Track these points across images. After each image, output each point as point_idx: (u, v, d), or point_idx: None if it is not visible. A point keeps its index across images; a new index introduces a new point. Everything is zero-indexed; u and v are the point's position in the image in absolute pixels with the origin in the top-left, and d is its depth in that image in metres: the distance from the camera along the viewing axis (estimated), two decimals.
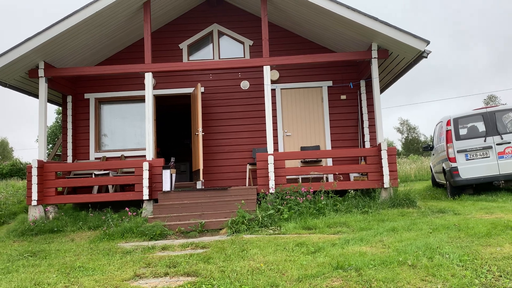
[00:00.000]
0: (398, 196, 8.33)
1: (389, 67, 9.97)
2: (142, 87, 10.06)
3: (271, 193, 8.38)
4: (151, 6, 9.36)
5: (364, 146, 10.27)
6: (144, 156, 9.65)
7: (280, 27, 10.94)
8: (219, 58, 10.87)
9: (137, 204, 8.85)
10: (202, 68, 9.65)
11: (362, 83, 10.48)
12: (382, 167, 8.55)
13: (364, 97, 10.45)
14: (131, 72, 9.35)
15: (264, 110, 9.30)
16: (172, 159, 9.40)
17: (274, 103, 10.58)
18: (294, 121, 10.66)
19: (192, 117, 10.45)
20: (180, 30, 10.98)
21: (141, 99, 10.43)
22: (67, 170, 9.84)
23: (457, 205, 8.03)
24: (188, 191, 8.65)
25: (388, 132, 74.17)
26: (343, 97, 10.63)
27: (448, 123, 9.67)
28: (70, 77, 10.43)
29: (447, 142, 9.54)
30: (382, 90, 11.67)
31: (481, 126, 9.60)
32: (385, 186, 8.51)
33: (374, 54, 9.02)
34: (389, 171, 8.55)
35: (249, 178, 10.03)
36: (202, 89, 10.66)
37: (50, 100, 11.21)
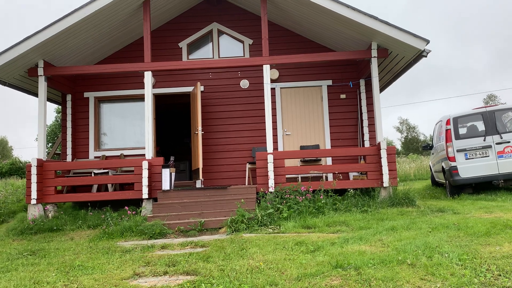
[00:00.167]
0: (398, 195, 8.34)
1: (389, 66, 9.97)
2: (141, 86, 10.05)
3: (271, 192, 8.38)
4: (150, 5, 9.35)
5: (363, 145, 10.28)
6: (144, 155, 9.65)
7: (280, 26, 10.94)
8: (219, 57, 10.86)
9: (137, 203, 8.85)
10: (202, 67, 9.65)
11: (362, 82, 10.47)
12: (382, 166, 8.55)
13: (363, 96, 10.45)
14: (131, 70, 9.34)
15: (264, 109, 9.29)
16: (172, 158, 9.40)
17: (273, 102, 10.58)
18: (294, 120, 10.66)
19: (191, 116, 10.45)
20: (180, 29, 10.97)
21: (141, 98, 10.42)
22: (66, 168, 9.83)
23: (456, 204, 8.04)
24: (188, 190, 8.65)
25: (388, 131, 74.28)
26: (343, 96, 10.63)
27: (447, 123, 9.67)
28: (70, 76, 10.43)
29: (446, 141, 9.54)
30: (381, 89, 11.67)
31: (480, 126, 9.60)
32: (384, 185, 8.51)
33: (374, 53, 9.02)
34: (389, 170, 8.55)
35: (248, 177, 10.03)
36: (202, 88, 10.66)
37: (49, 99, 11.20)
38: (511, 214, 6.29)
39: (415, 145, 54.33)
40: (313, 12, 9.11)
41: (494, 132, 9.27)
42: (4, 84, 9.37)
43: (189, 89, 10.72)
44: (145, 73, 9.15)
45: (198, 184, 10.02)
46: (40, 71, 9.07)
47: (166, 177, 8.68)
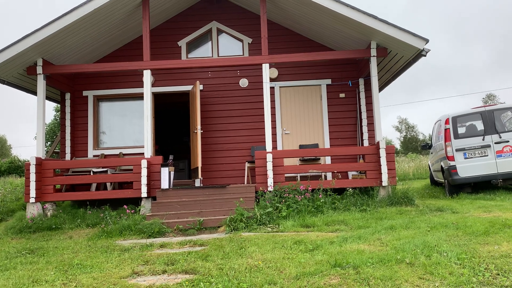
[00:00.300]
0: (396, 194, 8.34)
1: (388, 65, 9.96)
2: (140, 84, 10.04)
3: (270, 191, 8.38)
4: (150, 3, 9.34)
5: (362, 144, 10.28)
6: (143, 153, 9.65)
7: (279, 25, 10.93)
8: (218, 56, 10.86)
9: (136, 201, 8.84)
10: (201, 65, 9.64)
11: (361, 81, 10.47)
12: (381, 165, 8.56)
13: (363, 95, 10.45)
14: (130, 69, 9.34)
15: (263, 108, 9.29)
16: (171, 157, 9.39)
17: (273, 101, 10.58)
18: (293, 119, 10.66)
19: (190, 115, 10.44)
20: (179, 27, 10.96)
21: (140, 97, 10.41)
22: (65, 167, 9.82)
23: (455, 204, 8.04)
24: (187, 189, 8.65)
25: (387, 131, 74.29)
26: (342, 95, 10.63)
27: (446, 122, 9.67)
28: (69, 74, 10.42)
29: (445, 141, 9.55)
30: (381, 89, 11.67)
31: (479, 125, 9.61)
32: (383, 185, 8.52)
33: (373, 52, 9.02)
34: (388, 169, 8.55)
35: (247, 176, 10.03)
36: (201, 87, 10.65)
37: (48, 98, 11.19)
38: (509, 213, 6.29)
39: (414, 145, 54.39)
40: (312, 11, 9.10)
41: (493, 132, 9.27)
42: (3, 82, 9.36)
43: (188, 88, 10.71)
44: (144, 71, 9.14)
45: (197, 183, 10.02)
46: (39, 70, 9.06)
47: (165, 176, 8.67)
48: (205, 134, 10.46)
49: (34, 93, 10.14)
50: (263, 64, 9.11)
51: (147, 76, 9.12)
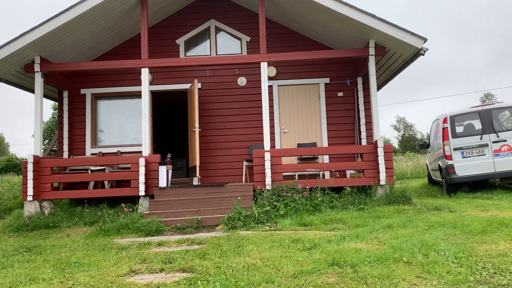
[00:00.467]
0: (394, 193, 8.35)
1: (386, 64, 9.97)
2: (138, 82, 10.03)
3: (268, 190, 8.38)
4: (148, 1, 9.32)
5: (360, 143, 10.29)
6: (141, 152, 9.63)
7: (277, 24, 10.92)
8: (216, 54, 10.84)
9: (133, 200, 8.83)
10: (199, 64, 9.62)
11: (359, 80, 10.48)
12: (379, 164, 8.57)
13: (361, 94, 10.46)
14: (128, 67, 9.31)
15: (261, 106, 9.28)
16: (169, 155, 9.38)
17: (271, 99, 10.57)
18: (291, 118, 10.65)
19: (189, 113, 10.43)
20: (177, 25, 10.93)
21: (138, 95, 10.39)
22: (63, 165, 9.81)
23: (452, 203, 8.06)
24: (185, 187, 8.65)
25: (385, 130, 74.44)
26: (340, 94, 10.63)
27: (444, 121, 9.69)
28: (66, 72, 10.39)
29: (443, 140, 9.56)
30: (379, 88, 11.67)
31: (477, 124, 9.62)
32: (381, 183, 8.53)
33: (371, 51, 9.02)
34: (386, 168, 8.56)
35: (245, 175, 10.03)
36: (199, 85, 10.64)
37: (46, 95, 11.16)
38: (507, 212, 6.31)
39: (412, 144, 54.46)
40: (311, 10, 9.09)
41: (491, 131, 9.29)
42: (0, 80, 9.33)
43: (186, 86, 10.69)
44: (142, 70, 9.12)
45: (195, 181, 10.01)
46: (37, 67, 9.03)
47: (163, 174, 8.66)
48: (203, 132, 10.45)
49: (32, 91, 10.11)
50: (261, 63, 9.09)
51: (145, 74, 9.10)
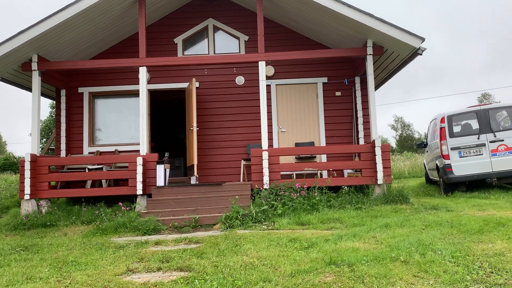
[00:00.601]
0: (392, 192, 8.36)
1: (384, 64, 9.98)
2: (136, 81, 9.98)
3: (265, 189, 8.38)
4: (146, 0, 9.29)
5: (358, 142, 10.30)
6: (138, 151, 9.61)
7: (275, 23, 10.91)
8: (214, 53, 10.83)
9: (131, 199, 8.82)
10: (197, 63, 9.61)
11: (357, 80, 10.49)
12: (376, 163, 8.58)
13: (358, 93, 10.47)
14: (125, 66, 9.29)
15: (259, 106, 9.28)
16: (166, 154, 9.38)
17: (269, 99, 10.57)
18: (289, 117, 10.66)
19: (186, 112, 10.42)
20: (175, 24, 10.92)
21: (136, 94, 10.36)
22: (60, 164, 9.79)
23: (450, 202, 8.07)
24: (182, 186, 8.64)
25: (383, 129, 74.46)
26: (338, 93, 10.63)
27: (442, 121, 9.71)
28: (64, 71, 10.36)
29: (441, 139, 9.58)
30: (377, 87, 11.68)
31: (474, 124, 9.65)
32: (378, 183, 8.54)
33: (369, 50, 9.03)
34: (383, 167, 8.57)
35: (243, 174, 10.02)
36: (197, 84, 10.62)
37: (44, 94, 11.13)
38: (504, 212, 6.33)
39: (410, 143, 54.55)
40: (309, 9, 9.09)
41: (488, 131, 9.32)
42: None
43: (184, 85, 10.68)
44: (140, 68, 9.10)
45: (193, 180, 10.01)
46: (34, 66, 9.00)
47: (161, 173, 8.65)
48: (201, 131, 10.44)
49: (29, 89, 10.08)
50: (259, 62, 9.09)
51: (142, 73, 9.09)
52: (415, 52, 8.52)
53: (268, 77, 10.46)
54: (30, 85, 9.54)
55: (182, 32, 10.87)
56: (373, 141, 8.72)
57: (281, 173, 8.98)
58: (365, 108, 10.25)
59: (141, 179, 8.57)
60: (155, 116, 14.55)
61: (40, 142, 15.28)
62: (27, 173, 8.55)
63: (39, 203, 8.76)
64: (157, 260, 4.83)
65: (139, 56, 9.11)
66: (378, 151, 8.60)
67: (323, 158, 10.42)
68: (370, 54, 9.03)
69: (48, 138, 24.62)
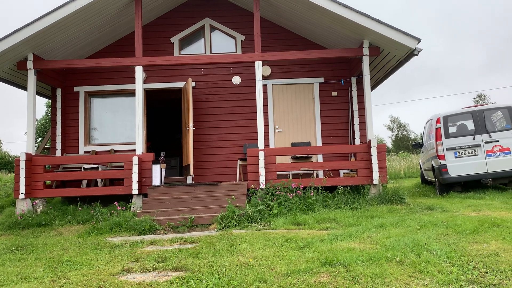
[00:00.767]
0: (387, 192, 8.38)
1: (380, 64, 10.00)
2: (132, 80, 9.99)
3: (261, 189, 8.38)
4: None
5: (354, 143, 10.31)
6: (134, 150, 9.59)
7: (272, 23, 10.91)
8: (211, 53, 10.82)
9: (126, 198, 8.80)
10: (194, 62, 9.60)
11: (353, 80, 10.51)
12: (372, 164, 8.59)
13: (355, 94, 10.49)
14: (122, 65, 9.26)
15: (256, 105, 9.28)
16: (162, 154, 9.35)
17: (265, 98, 10.57)
18: (285, 117, 10.66)
19: (183, 112, 10.40)
20: (172, 24, 10.90)
21: (132, 93, 10.35)
22: (56, 163, 9.75)
23: (445, 202, 8.10)
24: (178, 186, 8.63)
25: (379, 129, 74.73)
26: (334, 93, 10.65)
27: (437, 121, 9.74)
28: (60, 70, 10.32)
29: (436, 140, 9.62)
30: (373, 87, 11.71)
31: (470, 125, 9.69)
32: (374, 183, 8.56)
33: (366, 51, 9.04)
34: (379, 168, 8.59)
35: (239, 174, 10.02)
36: (193, 84, 10.61)
37: (39, 93, 11.09)
38: (498, 212, 6.36)
39: (406, 143, 54.74)
40: (305, 9, 9.10)
41: (484, 131, 9.36)
42: None
43: (180, 84, 10.66)
44: (136, 68, 9.08)
45: (189, 180, 9.99)
46: (30, 65, 8.96)
47: (157, 173, 8.64)
48: (197, 131, 10.43)
49: (25, 88, 10.04)
50: (256, 62, 9.09)
51: (139, 73, 9.07)
52: (411, 53, 8.55)
53: (264, 77, 10.47)
54: (26, 84, 9.51)
55: (178, 32, 10.85)
56: (369, 141, 8.74)
57: (277, 173, 8.98)
58: (361, 108, 10.27)
59: (136, 179, 8.55)
60: (151, 116, 14.52)
61: (36, 141, 15.21)
62: (22, 173, 8.51)
63: (34, 203, 8.72)
64: (153, 260, 4.82)
65: (136, 56, 9.08)
66: (374, 151, 8.62)
67: (319, 158, 10.43)
68: (366, 55, 9.04)
69: (44, 137, 24.52)
